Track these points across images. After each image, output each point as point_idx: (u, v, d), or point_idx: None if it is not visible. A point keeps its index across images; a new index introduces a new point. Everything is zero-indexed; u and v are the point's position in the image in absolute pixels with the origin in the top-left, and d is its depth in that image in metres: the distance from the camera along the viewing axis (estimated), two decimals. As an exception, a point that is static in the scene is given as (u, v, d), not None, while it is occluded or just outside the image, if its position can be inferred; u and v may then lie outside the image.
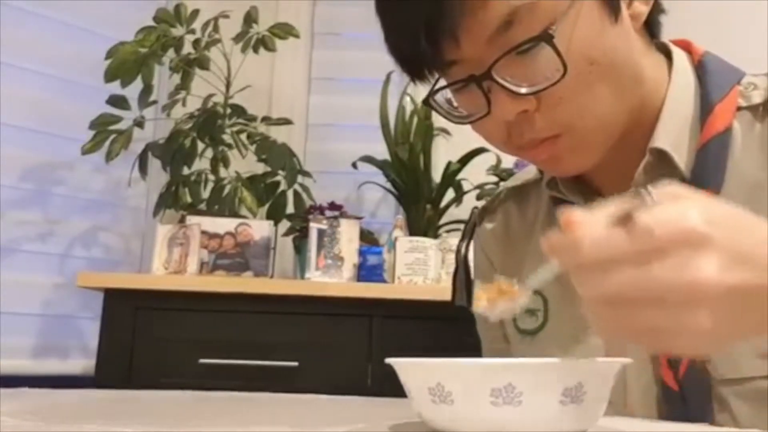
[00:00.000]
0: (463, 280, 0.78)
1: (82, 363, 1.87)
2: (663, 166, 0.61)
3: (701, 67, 0.64)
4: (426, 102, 0.61)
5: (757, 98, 0.62)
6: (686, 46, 0.67)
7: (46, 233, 1.92)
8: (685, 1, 1.95)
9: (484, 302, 0.45)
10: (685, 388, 0.57)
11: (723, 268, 0.36)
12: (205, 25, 1.88)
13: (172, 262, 1.65)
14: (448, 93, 0.61)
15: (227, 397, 0.67)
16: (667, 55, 0.66)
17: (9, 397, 0.58)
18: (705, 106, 0.62)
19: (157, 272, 1.65)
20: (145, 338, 1.58)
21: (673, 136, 0.61)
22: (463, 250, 0.78)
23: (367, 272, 1.70)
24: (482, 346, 0.81)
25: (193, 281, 1.62)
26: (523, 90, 0.55)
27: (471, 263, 0.79)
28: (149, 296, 1.60)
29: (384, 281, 1.68)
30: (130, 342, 1.57)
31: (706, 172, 0.59)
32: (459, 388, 0.39)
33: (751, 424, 0.55)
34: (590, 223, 0.38)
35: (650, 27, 0.63)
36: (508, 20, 0.53)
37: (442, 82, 0.60)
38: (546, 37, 0.53)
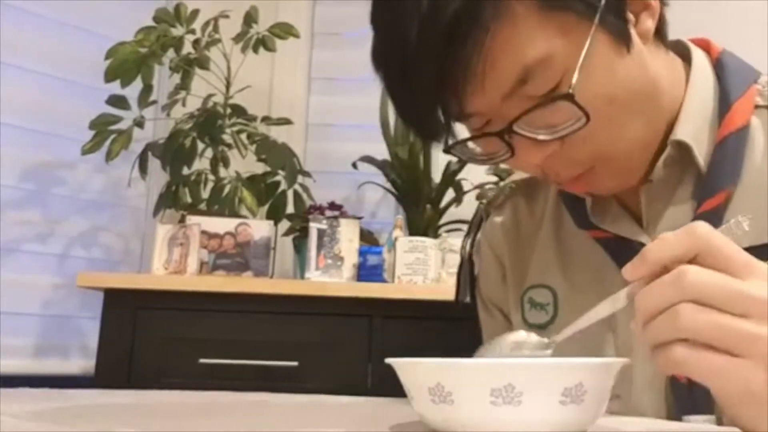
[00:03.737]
0: (467, 276, 0.77)
1: (82, 363, 1.87)
2: (682, 160, 0.62)
3: (719, 66, 0.65)
4: (447, 152, 0.61)
5: None
6: (705, 45, 0.68)
7: (46, 233, 1.92)
8: (685, 1, 1.95)
9: None
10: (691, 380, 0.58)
11: None
12: (205, 25, 1.88)
13: (172, 262, 1.65)
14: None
15: (227, 397, 0.67)
16: (686, 53, 0.66)
17: (9, 397, 0.58)
18: (723, 103, 0.62)
19: (157, 272, 1.65)
20: (145, 338, 1.58)
21: (694, 130, 0.62)
22: (468, 246, 0.77)
23: (367, 272, 1.70)
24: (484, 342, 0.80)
25: (193, 281, 1.62)
26: (544, 137, 0.55)
27: (476, 259, 0.78)
28: (149, 296, 1.60)
29: (384, 281, 1.68)
30: (130, 342, 1.57)
31: (723, 167, 0.60)
32: (459, 388, 0.39)
33: None
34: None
35: (659, 32, 0.62)
36: (521, 78, 0.53)
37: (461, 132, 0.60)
38: (567, 97, 0.53)
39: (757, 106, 0.62)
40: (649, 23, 0.59)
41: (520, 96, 0.54)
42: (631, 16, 0.57)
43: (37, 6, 1.94)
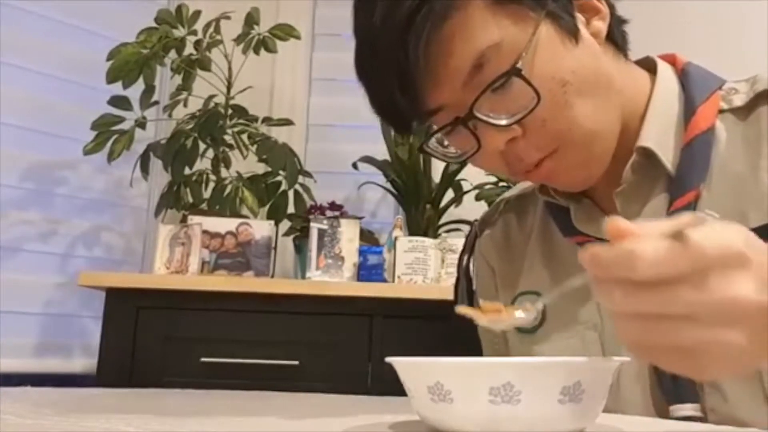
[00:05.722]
0: (464, 290, 0.80)
1: (84, 362, 1.88)
2: (650, 164, 0.65)
3: (684, 75, 0.68)
4: (421, 150, 0.66)
5: (738, 101, 0.65)
6: (671, 59, 0.71)
7: (48, 233, 1.93)
8: (685, 2, 1.95)
9: (485, 320, 0.48)
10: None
11: (758, 289, 0.38)
12: (207, 26, 1.88)
13: (174, 261, 1.66)
14: (439, 136, 0.65)
15: (228, 396, 0.67)
16: (652, 67, 0.70)
17: (11, 396, 0.58)
18: (688, 109, 0.65)
19: (159, 272, 1.65)
20: (146, 337, 1.58)
21: (658, 135, 0.65)
22: (464, 262, 0.81)
23: (367, 272, 1.71)
24: (483, 346, 0.83)
25: (194, 281, 1.62)
26: (504, 122, 0.59)
27: (473, 274, 0.82)
28: (151, 295, 1.60)
29: (384, 281, 1.68)
30: (131, 341, 1.57)
31: (691, 168, 0.63)
32: (458, 386, 0.39)
33: (741, 401, 0.57)
34: (643, 238, 0.38)
35: (614, 39, 0.67)
36: (477, 63, 0.58)
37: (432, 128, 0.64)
38: (515, 72, 0.57)
39: (721, 111, 0.65)
40: (600, 25, 0.64)
41: (478, 84, 0.58)
42: (582, 17, 0.63)
43: (38, 6, 1.95)
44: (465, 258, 0.81)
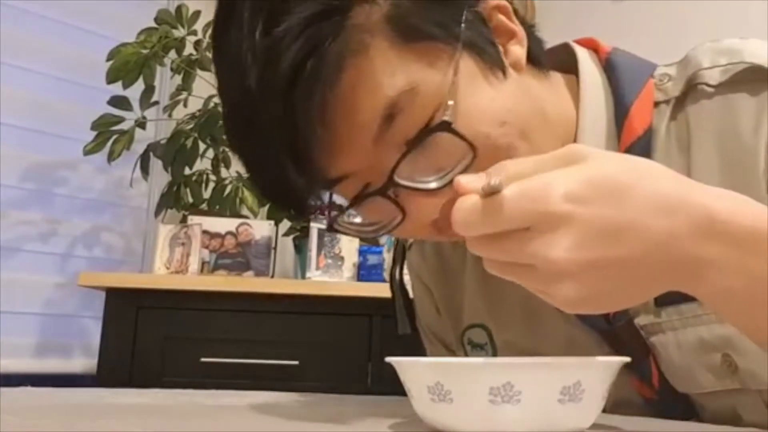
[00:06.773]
0: (402, 306, 0.70)
1: (84, 362, 1.88)
2: None
3: (610, 67, 0.59)
4: (330, 229, 0.52)
5: (673, 90, 0.56)
6: (592, 45, 0.62)
7: (48, 233, 1.93)
8: (685, 1, 1.96)
9: None
10: (664, 397, 0.56)
11: (578, 245, 0.37)
12: (207, 26, 1.88)
13: (174, 261, 1.66)
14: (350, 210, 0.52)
15: (228, 396, 0.67)
16: (572, 60, 0.60)
17: (11, 396, 0.58)
18: (620, 108, 0.56)
19: (159, 272, 1.65)
20: (146, 337, 1.59)
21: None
22: (397, 275, 0.69)
23: (367, 272, 1.71)
24: None
25: (194, 281, 1.62)
26: (434, 184, 0.47)
27: (408, 287, 0.72)
28: (151, 296, 1.60)
29: (384, 281, 1.68)
30: (131, 341, 1.58)
31: None
32: (458, 386, 0.39)
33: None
34: (465, 195, 0.39)
35: (533, 58, 0.55)
36: (388, 114, 0.46)
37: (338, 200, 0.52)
38: (443, 127, 0.46)
39: (656, 103, 0.56)
40: (518, 51, 0.53)
41: (392, 139, 0.47)
42: (498, 47, 0.52)
43: (38, 6, 1.95)
44: (396, 271, 0.68)
